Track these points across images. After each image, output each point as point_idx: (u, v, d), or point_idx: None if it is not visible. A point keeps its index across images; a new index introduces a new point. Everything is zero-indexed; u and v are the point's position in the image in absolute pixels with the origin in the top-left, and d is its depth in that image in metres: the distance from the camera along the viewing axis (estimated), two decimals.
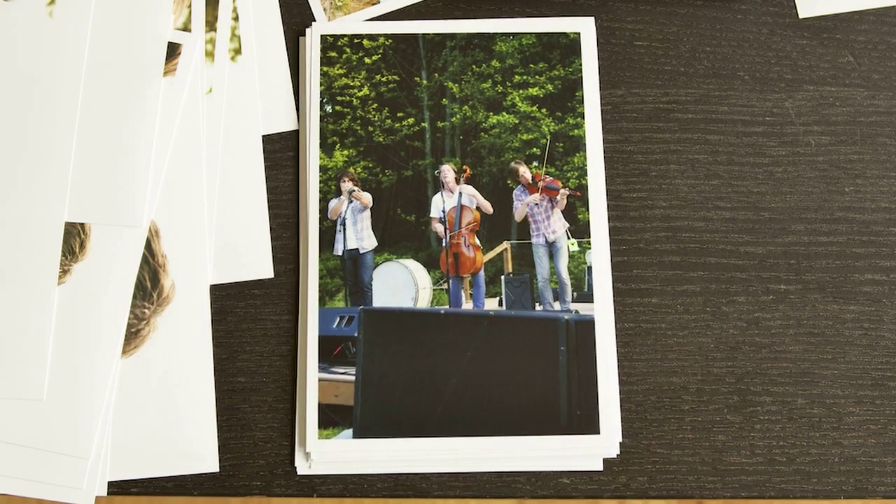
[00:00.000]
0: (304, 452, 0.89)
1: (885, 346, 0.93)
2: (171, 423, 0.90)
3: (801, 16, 0.99)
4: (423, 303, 0.92)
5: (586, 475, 0.90)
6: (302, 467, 0.90)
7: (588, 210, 0.94)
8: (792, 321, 0.93)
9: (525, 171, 0.95)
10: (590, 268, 0.94)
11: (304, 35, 0.98)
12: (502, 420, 0.89)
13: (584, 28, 0.98)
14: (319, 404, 0.89)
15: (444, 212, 0.94)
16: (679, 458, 0.91)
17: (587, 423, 0.89)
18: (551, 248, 0.94)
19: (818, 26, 0.99)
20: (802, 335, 0.93)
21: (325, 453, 0.89)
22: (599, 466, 0.90)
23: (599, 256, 0.93)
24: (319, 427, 0.89)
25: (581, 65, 0.97)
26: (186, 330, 0.92)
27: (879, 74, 0.98)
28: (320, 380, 0.90)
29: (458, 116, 0.97)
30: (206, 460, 0.90)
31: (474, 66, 0.98)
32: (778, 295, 0.94)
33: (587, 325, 0.91)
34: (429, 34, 0.97)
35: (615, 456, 0.90)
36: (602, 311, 0.92)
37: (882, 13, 0.99)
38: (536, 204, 0.94)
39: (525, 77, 0.98)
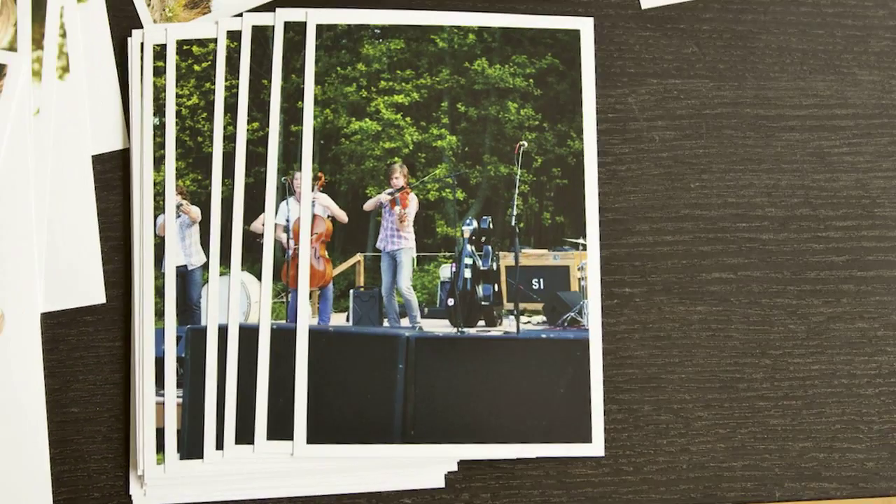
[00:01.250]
0: (138, 477, 0.87)
1: (734, 347, 0.90)
2: (2, 459, 0.88)
3: (643, 6, 0.95)
4: (257, 318, 0.90)
5: (428, 493, 0.88)
6: (137, 496, 0.88)
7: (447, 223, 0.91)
8: (637, 325, 0.90)
9: (398, 179, 0.92)
10: (443, 283, 0.92)
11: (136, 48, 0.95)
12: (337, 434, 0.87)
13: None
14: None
15: (288, 220, 0.91)
16: (523, 472, 0.88)
17: (425, 440, 0.87)
18: (395, 260, 0.92)
19: (661, 17, 0.95)
20: (648, 339, 0.90)
21: (157, 479, 0.87)
22: (441, 483, 0.88)
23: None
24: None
25: (448, 74, 0.94)
26: (17, 361, 0.89)
27: (725, 64, 0.95)
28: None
29: (318, 120, 0.93)
30: (39, 496, 0.88)
31: (339, 68, 0.94)
32: (622, 298, 0.91)
33: (429, 342, 0.88)
34: (288, 34, 0.93)
35: (456, 472, 0.88)
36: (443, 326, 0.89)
37: (727, 0, 0.95)
38: (387, 209, 0.92)
39: (391, 83, 0.94)
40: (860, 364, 0.91)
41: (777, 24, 0.96)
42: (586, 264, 0.92)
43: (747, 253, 0.92)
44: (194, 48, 0.94)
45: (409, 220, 0.92)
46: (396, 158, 0.93)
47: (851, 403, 0.90)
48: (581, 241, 0.92)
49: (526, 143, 0.93)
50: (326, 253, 0.91)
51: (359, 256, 0.92)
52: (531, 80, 0.94)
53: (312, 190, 0.92)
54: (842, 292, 0.92)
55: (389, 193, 0.92)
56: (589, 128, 0.93)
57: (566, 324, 0.93)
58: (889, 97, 0.95)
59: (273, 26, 0.94)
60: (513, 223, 0.92)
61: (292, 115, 0.93)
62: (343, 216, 0.92)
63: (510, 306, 0.92)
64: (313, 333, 0.89)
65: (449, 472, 0.88)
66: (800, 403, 0.90)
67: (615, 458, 0.89)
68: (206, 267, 0.90)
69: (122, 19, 0.96)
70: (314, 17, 0.94)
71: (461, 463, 0.88)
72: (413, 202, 0.92)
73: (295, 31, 0.94)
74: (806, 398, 0.90)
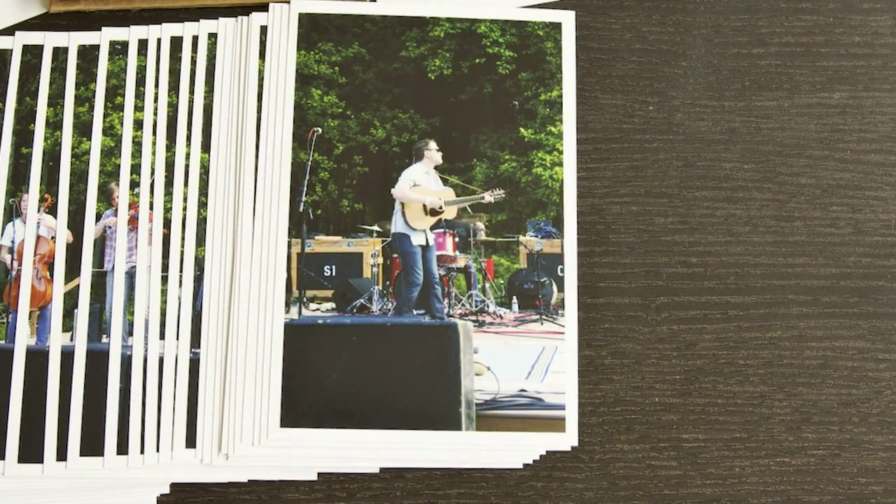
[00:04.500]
0: None
1: None
2: None
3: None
4: None
5: None
6: None
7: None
8: None
9: (119, 197, 0.92)
10: (180, 300, 0.92)
11: None
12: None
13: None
14: None
15: (13, 241, 0.92)
16: (235, 495, 0.88)
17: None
18: (133, 279, 0.92)
19: None
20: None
21: None
22: None
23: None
24: None
25: (214, 87, 0.94)
26: None
27: None
28: None
29: (49, 141, 0.94)
30: None
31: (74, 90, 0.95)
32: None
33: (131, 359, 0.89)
34: (26, 57, 0.94)
35: (168, 494, 0.88)
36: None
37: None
38: (110, 228, 0.92)
39: (136, 100, 0.94)
40: (585, 392, 0.90)
41: None
42: (379, 251, 0.93)
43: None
44: None
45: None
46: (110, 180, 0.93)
47: None
48: (375, 227, 0.93)
49: (320, 130, 0.93)
50: (48, 273, 0.92)
51: (83, 275, 0.92)
52: (336, 68, 0.95)
53: (38, 211, 0.92)
54: None
55: (115, 213, 0.92)
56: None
57: (354, 310, 0.92)
58: (630, 121, 0.94)
59: (12, 50, 0.95)
60: (301, 209, 0.92)
61: (24, 137, 0.94)
62: (70, 236, 0.92)
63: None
64: (30, 353, 0.89)
65: (161, 495, 0.88)
66: None
67: (328, 483, 0.88)
68: None
69: None
70: (51, 41, 0.95)
71: (174, 485, 0.88)
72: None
73: (32, 55, 0.95)
74: None
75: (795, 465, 0.89)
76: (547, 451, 0.88)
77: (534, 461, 0.88)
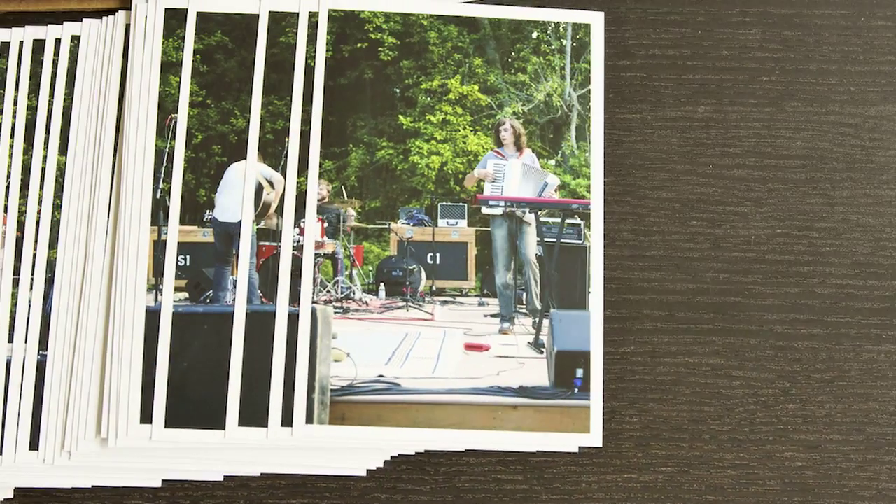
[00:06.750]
0: None
1: None
2: None
3: None
4: None
5: None
6: None
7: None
8: None
9: None
10: (30, 302, 0.92)
11: None
12: None
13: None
14: None
15: None
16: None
17: None
18: None
19: None
20: None
21: None
22: None
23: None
24: None
25: None
26: None
27: None
28: None
29: None
30: None
31: None
32: None
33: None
34: None
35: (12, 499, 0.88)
36: None
37: None
38: None
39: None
40: None
41: None
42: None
43: None
44: None
45: None
46: None
47: None
48: None
49: (178, 117, 0.92)
50: None
51: None
52: (198, 56, 0.94)
53: None
54: None
55: None
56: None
57: (208, 300, 0.92)
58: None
59: None
60: (157, 196, 0.91)
61: None
62: None
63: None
64: None
65: (4, 499, 0.88)
66: None
67: (172, 490, 0.88)
68: None
69: None
70: None
71: (18, 491, 0.88)
72: None
73: None
74: None
75: (643, 482, 0.88)
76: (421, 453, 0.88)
77: (377, 468, 0.88)
